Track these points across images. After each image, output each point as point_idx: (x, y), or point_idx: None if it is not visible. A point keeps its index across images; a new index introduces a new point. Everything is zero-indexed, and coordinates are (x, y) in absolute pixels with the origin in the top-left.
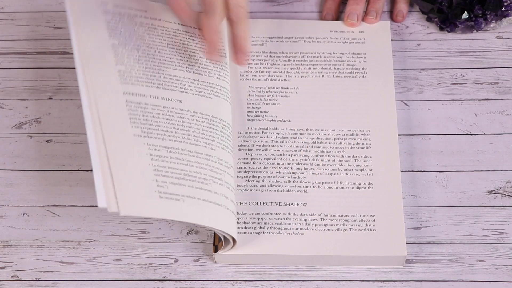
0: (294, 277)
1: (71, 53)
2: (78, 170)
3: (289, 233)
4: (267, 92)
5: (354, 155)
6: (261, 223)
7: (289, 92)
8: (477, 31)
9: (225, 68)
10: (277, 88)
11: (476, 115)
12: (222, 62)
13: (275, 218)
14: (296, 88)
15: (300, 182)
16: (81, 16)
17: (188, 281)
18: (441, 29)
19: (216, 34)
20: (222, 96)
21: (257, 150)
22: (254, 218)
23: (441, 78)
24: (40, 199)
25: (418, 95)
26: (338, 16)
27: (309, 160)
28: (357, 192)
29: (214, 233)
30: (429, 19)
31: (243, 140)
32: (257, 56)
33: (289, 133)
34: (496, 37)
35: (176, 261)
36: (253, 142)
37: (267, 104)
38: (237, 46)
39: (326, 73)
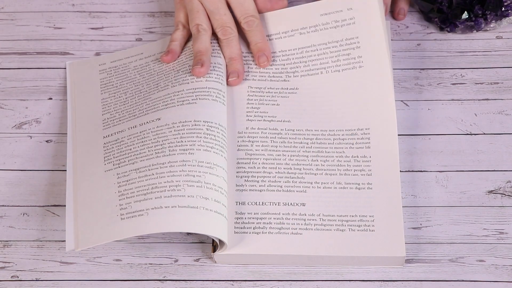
0: (294, 277)
1: (71, 53)
2: None
3: (288, 233)
4: (266, 92)
5: (353, 155)
6: (260, 223)
7: (288, 93)
8: (477, 31)
9: (217, 68)
10: (276, 89)
11: (476, 115)
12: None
13: (274, 218)
14: (296, 89)
15: (299, 182)
16: (79, 78)
17: (188, 281)
18: (441, 29)
19: (240, 62)
20: (210, 97)
21: (256, 150)
22: (253, 218)
23: (441, 78)
24: (40, 199)
25: (418, 95)
26: None
27: (308, 160)
28: (356, 192)
29: None
30: (429, 19)
31: (242, 140)
32: None
33: (288, 133)
34: (496, 37)
35: (176, 261)
36: (252, 142)
37: (266, 104)
38: (257, 50)
39: (324, 68)
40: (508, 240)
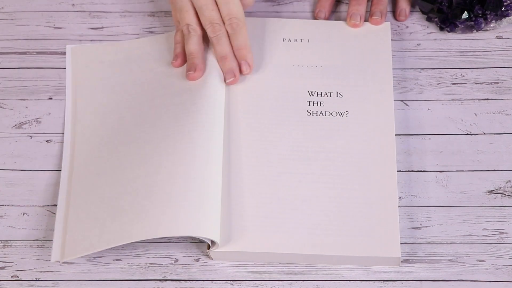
0: (294, 277)
1: None
2: None
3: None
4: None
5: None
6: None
7: None
8: (477, 31)
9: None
10: None
11: (476, 115)
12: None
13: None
14: None
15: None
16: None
17: (188, 281)
18: (441, 29)
19: (232, 59)
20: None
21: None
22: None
23: (441, 78)
24: (40, 199)
25: (418, 95)
26: (330, 14)
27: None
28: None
29: None
30: (429, 19)
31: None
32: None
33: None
34: (496, 37)
35: (176, 261)
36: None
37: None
38: (238, 57)
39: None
40: (508, 240)
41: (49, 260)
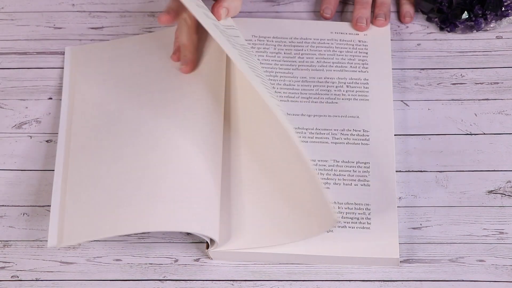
0: (294, 277)
1: None
2: None
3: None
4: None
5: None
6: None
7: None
8: (477, 31)
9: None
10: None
11: (476, 115)
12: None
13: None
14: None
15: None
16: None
17: (188, 281)
18: (441, 29)
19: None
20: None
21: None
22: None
23: (441, 78)
24: (40, 199)
25: (418, 95)
26: (335, 13)
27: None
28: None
29: None
30: (429, 19)
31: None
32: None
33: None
34: (496, 37)
35: (176, 261)
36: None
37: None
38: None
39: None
40: (508, 240)
41: (49, 260)
